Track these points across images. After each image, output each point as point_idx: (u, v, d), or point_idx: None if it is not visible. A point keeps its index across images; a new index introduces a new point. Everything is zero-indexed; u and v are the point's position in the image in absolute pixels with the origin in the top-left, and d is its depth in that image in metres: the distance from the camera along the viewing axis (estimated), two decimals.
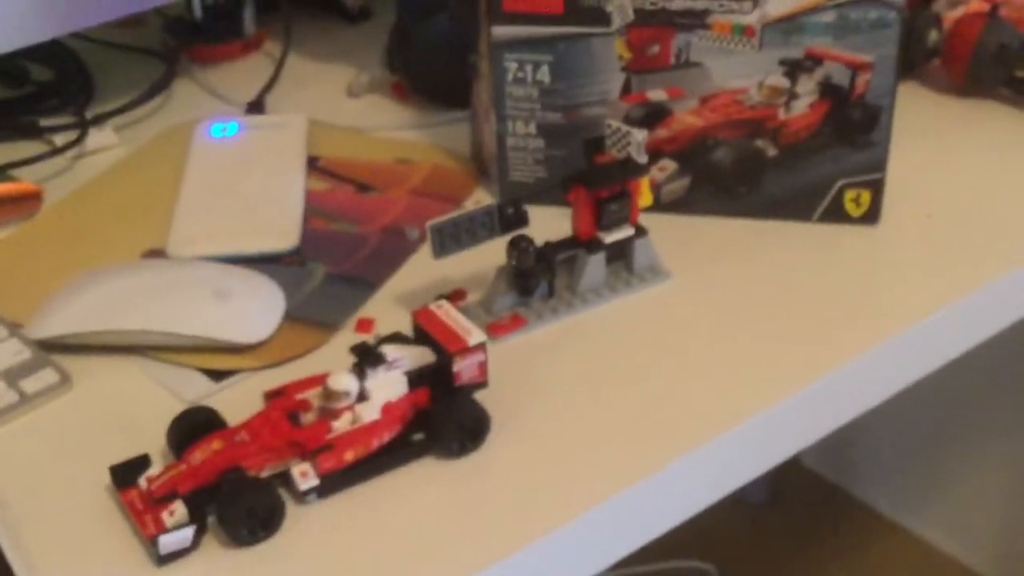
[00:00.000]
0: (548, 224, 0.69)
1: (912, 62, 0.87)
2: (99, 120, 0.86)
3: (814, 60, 0.71)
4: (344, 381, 0.58)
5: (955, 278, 0.71)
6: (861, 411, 0.68)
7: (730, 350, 0.66)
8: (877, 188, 0.74)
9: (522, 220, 0.67)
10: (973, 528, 1.41)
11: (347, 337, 0.67)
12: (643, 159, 0.68)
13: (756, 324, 0.67)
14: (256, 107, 0.88)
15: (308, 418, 0.59)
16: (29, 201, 0.78)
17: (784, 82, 0.71)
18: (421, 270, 0.72)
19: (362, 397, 0.58)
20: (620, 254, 0.70)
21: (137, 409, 0.63)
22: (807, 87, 0.71)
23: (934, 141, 0.83)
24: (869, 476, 1.50)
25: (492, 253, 0.68)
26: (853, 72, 0.71)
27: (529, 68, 0.72)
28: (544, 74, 0.72)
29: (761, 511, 1.51)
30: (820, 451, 1.53)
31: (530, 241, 0.66)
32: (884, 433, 1.46)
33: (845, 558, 1.45)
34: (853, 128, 0.72)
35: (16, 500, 0.58)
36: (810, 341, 0.66)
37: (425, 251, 0.72)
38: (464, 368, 0.60)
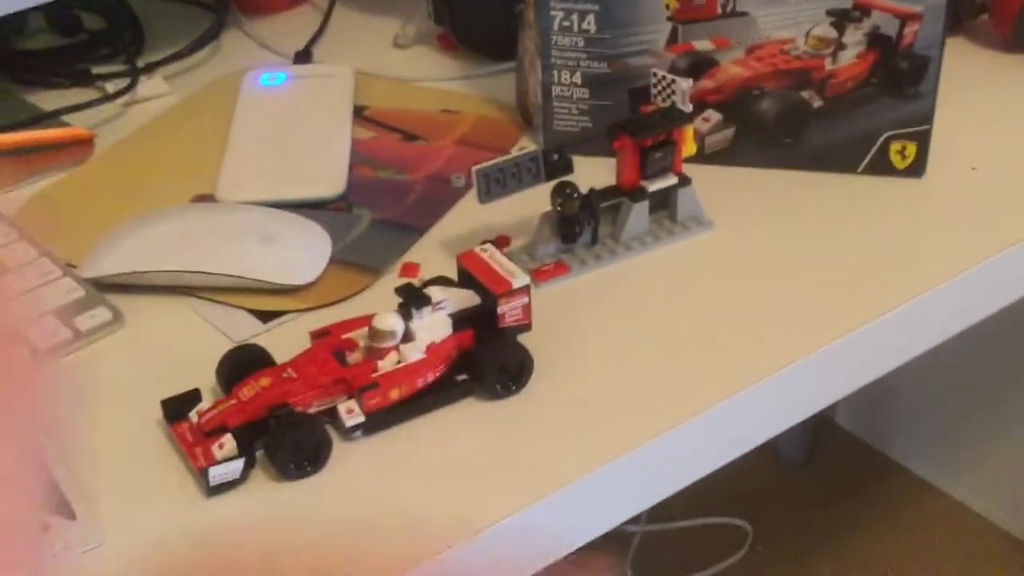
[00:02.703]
0: (592, 174, 0.69)
1: (960, 17, 0.87)
2: (150, 68, 0.88)
3: (862, 10, 0.70)
4: (390, 321, 0.59)
5: (999, 232, 0.70)
6: (901, 362, 0.68)
7: (771, 299, 0.66)
8: (923, 140, 0.73)
9: (567, 166, 0.67)
10: (1008, 490, 1.40)
11: (392, 281, 0.68)
12: (688, 108, 0.68)
13: (798, 274, 0.68)
14: (304, 57, 0.89)
15: (354, 357, 0.60)
16: (81, 146, 0.80)
17: (831, 32, 0.71)
18: (466, 217, 0.73)
19: (407, 337, 0.59)
20: (663, 203, 0.70)
21: (187, 347, 0.64)
22: (854, 37, 0.71)
23: (980, 96, 0.82)
24: (905, 437, 1.49)
25: (536, 201, 0.68)
26: (901, 22, 0.70)
27: (575, 17, 0.73)
28: (590, 23, 0.73)
29: (796, 471, 1.51)
30: (856, 411, 1.53)
31: (575, 187, 0.67)
32: (920, 394, 1.46)
33: (879, 518, 1.45)
34: (900, 79, 0.72)
35: (70, 433, 0.59)
36: (852, 291, 0.66)
37: (470, 199, 0.73)
38: (508, 310, 0.61)
